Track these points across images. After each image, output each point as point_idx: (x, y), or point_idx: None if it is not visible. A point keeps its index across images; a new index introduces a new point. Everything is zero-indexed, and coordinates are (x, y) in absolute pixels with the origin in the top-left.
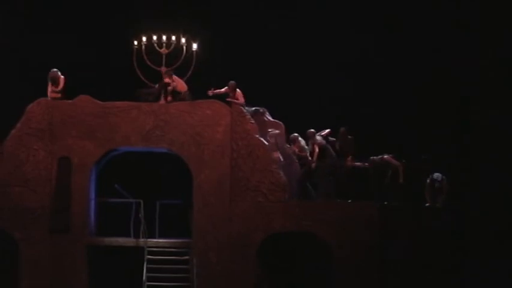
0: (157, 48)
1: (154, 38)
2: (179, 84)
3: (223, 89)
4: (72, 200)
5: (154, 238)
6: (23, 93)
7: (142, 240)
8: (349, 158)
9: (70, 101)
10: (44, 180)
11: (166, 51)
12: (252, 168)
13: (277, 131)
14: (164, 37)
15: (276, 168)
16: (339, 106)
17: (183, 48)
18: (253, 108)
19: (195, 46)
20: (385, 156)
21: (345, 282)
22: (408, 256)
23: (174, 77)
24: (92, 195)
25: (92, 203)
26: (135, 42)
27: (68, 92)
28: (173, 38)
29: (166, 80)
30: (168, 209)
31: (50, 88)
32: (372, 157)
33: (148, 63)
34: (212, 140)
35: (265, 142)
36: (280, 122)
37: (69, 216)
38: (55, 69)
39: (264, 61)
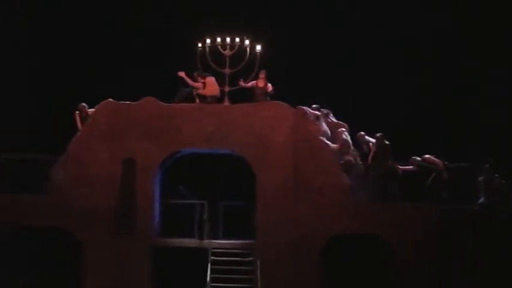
0: (221, 50)
1: (218, 40)
2: (209, 87)
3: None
4: (137, 202)
5: (218, 239)
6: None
7: (206, 241)
8: (388, 163)
9: (135, 102)
10: (109, 182)
11: (230, 53)
12: (315, 169)
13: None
14: (228, 39)
15: (340, 169)
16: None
17: (246, 50)
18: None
19: (258, 48)
20: (426, 156)
21: (406, 285)
22: (472, 259)
23: (208, 78)
24: (156, 196)
25: (156, 205)
26: (199, 44)
27: (131, 93)
28: (237, 39)
29: (197, 83)
30: (232, 210)
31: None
32: (413, 157)
33: (212, 65)
34: (275, 142)
35: (329, 143)
36: (344, 124)
37: (134, 217)
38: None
39: (328, 62)
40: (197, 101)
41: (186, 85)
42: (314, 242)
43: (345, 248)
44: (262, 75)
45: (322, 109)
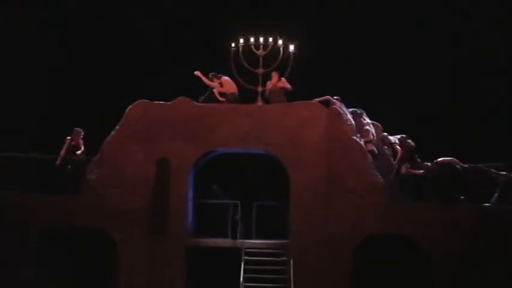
0: (254, 50)
1: (252, 40)
2: (227, 85)
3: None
4: (170, 202)
5: (251, 239)
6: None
7: (239, 241)
8: (406, 165)
9: (168, 103)
10: (143, 182)
11: (264, 53)
12: (349, 169)
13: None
14: (261, 39)
15: (373, 169)
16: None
17: (280, 50)
18: (351, 110)
19: (292, 47)
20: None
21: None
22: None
23: (223, 78)
24: (190, 196)
25: (190, 205)
26: (233, 44)
27: (164, 94)
28: (270, 39)
29: (213, 83)
30: (265, 210)
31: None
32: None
33: (246, 65)
34: (309, 142)
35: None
36: (378, 124)
37: (167, 217)
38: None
39: (361, 62)
40: (222, 99)
41: (205, 87)
42: (347, 241)
43: (378, 248)
44: (275, 76)
45: (355, 109)
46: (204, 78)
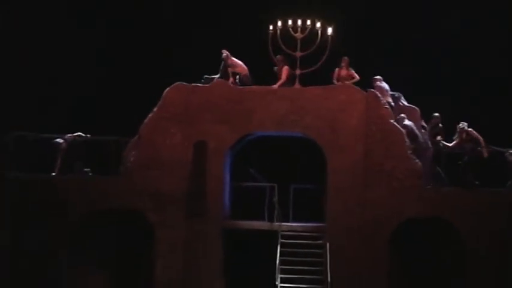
0: (292, 32)
1: (290, 22)
2: (238, 66)
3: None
4: (208, 184)
5: (288, 222)
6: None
7: (276, 224)
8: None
9: (206, 85)
10: (181, 164)
11: (301, 35)
12: (386, 153)
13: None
14: (299, 21)
15: (411, 153)
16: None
17: (318, 33)
18: (389, 93)
19: (330, 30)
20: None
21: (478, 272)
22: None
23: (233, 59)
24: (227, 179)
25: (227, 187)
26: (271, 27)
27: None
28: (308, 22)
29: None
30: (302, 193)
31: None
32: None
33: (284, 47)
34: (346, 125)
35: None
36: (416, 107)
37: (205, 200)
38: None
39: (398, 45)
40: (231, 80)
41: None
42: (384, 226)
43: (415, 233)
44: (344, 62)
45: (393, 92)
46: (227, 59)
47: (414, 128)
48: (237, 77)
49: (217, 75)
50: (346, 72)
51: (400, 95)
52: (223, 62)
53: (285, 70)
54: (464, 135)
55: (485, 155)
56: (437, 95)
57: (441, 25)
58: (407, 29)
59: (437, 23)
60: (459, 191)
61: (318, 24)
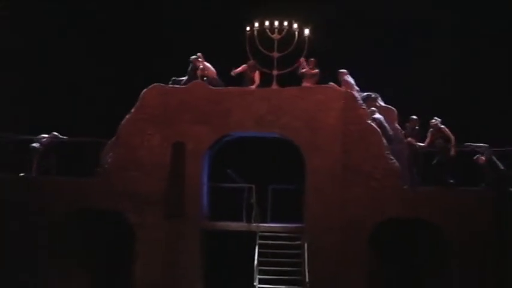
0: (269, 34)
1: (267, 23)
2: (207, 69)
3: (241, 67)
4: (186, 185)
5: (266, 223)
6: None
7: (254, 224)
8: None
9: (184, 86)
10: (159, 165)
11: (279, 36)
12: (365, 153)
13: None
14: (276, 23)
15: (389, 153)
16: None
17: (295, 34)
18: (366, 94)
19: (307, 31)
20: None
21: (461, 270)
22: None
23: (204, 63)
24: (205, 180)
25: (205, 188)
26: (248, 28)
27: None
28: (285, 23)
29: (198, 68)
30: (280, 193)
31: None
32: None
33: (261, 48)
34: (324, 125)
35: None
36: (393, 108)
37: (183, 201)
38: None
39: (376, 46)
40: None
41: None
42: (363, 226)
43: (394, 233)
44: (311, 64)
45: (370, 93)
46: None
47: (383, 121)
48: (205, 79)
49: (185, 78)
50: (309, 71)
51: (377, 95)
52: (191, 64)
53: (258, 74)
54: (436, 131)
55: (453, 153)
56: (416, 95)
57: (420, 25)
58: (385, 29)
59: (415, 22)
60: (438, 190)
61: (295, 26)
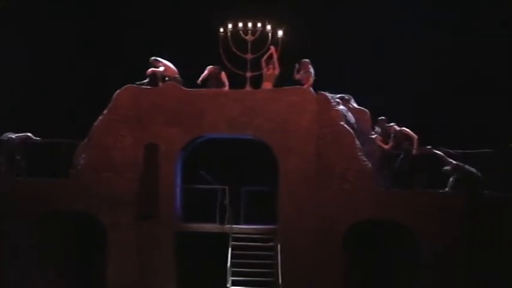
0: (242, 35)
1: (240, 25)
2: (168, 69)
3: (205, 72)
4: (159, 186)
5: (240, 224)
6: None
7: (227, 226)
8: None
9: (157, 87)
10: (132, 166)
11: (252, 38)
12: (338, 155)
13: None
14: (250, 24)
15: (362, 155)
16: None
17: (268, 35)
18: (339, 95)
19: (280, 33)
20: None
21: (431, 272)
22: (498, 248)
23: (163, 62)
24: (178, 181)
25: (178, 189)
26: (221, 30)
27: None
28: (259, 25)
29: (159, 67)
30: (253, 195)
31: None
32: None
33: (234, 50)
34: (298, 127)
35: (350, 129)
36: (366, 110)
37: (156, 202)
38: (217, 66)
39: (350, 47)
40: (160, 84)
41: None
42: (336, 227)
43: (368, 235)
44: (272, 65)
45: (343, 94)
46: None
47: (346, 113)
48: (167, 79)
49: (146, 80)
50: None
51: (351, 97)
52: (152, 66)
53: (224, 75)
54: (398, 134)
55: (415, 152)
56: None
57: (395, 26)
58: (359, 31)
59: (390, 24)
60: (411, 192)
61: (268, 27)
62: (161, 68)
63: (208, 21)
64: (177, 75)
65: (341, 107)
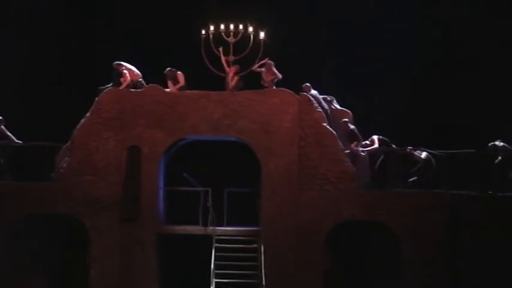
0: (224, 37)
1: (222, 27)
2: (131, 72)
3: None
4: (142, 189)
5: (223, 226)
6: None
7: (210, 228)
8: (355, 143)
9: (139, 90)
10: (114, 169)
11: (234, 40)
12: (320, 156)
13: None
14: (232, 26)
15: (344, 156)
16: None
17: (250, 37)
18: (321, 97)
19: (262, 35)
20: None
21: (412, 272)
22: (481, 248)
23: (126, 65)
24: (161, 183)
25: (161, 192)
26: (203, 32)
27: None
28: (240, 26)
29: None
30: (236, 197)
31: (171, 87)
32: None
33: (216, 52)
34: (280, 129)
35: (333, 131)
36: (348, 111)
37: (139, 204)
38: (172, 69)
39: (332, 49)
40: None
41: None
42: (319, 229)
43: (351, 235)
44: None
45: (325, 96)
46: (122, 71)
47: (318, 96)
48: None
49: (110, 85)
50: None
51: (333, 98)
52: (115, 70)
53: (180, 74)
54: (376, 142)
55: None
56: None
57: (376, 26)
58: (341, 32)
59: (372, 24)
60: (393, 193)
61: (250, 29)
62: (125, 71)
63: (189, 24)
64: (140, 79)
65: (313, 91)
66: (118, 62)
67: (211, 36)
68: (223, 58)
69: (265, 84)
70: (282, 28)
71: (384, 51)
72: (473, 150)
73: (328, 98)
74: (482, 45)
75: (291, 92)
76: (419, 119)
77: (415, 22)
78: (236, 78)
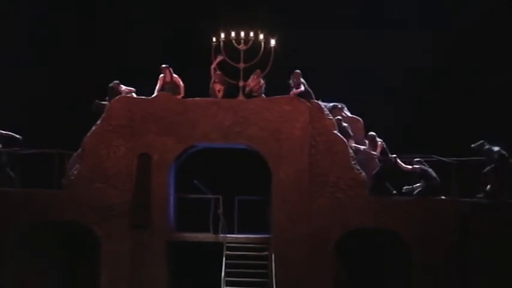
0: (235, 44)
1: (233, 34)
2: (129, 94)
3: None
4: (152, 196)
5: (233, 234)
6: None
7: (221, 236)
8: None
9: (150, 97)
10: (125, 177)
11: (245, 47)
12: (331, 164)
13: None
14: (242, 33)
15: (355, 164)
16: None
17: (261, 45)
18: (332, 104)
19: (273, 42)
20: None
21: (424, 281)
22: (490, 256)
23: (123, 87)
24: (172, 191)
25: (172, 199)
26: (214, 39)
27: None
28: (251, 34)
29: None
30: (247, 204)
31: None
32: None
33: (227, 59)
34: (291, 136)
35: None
36: (359, 118)
37: (149, 212)
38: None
39: (343, 56)
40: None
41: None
42: (329, 236)
43: (361, 243)
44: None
45: (336, 103)
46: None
47: (307, 87)
48: None
49: (107, 102)
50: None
51: (343, 105)
52: (112, 90)
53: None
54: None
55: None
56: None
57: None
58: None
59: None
60: (403, 200)
61: (261, 36)
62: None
63: (200, 31)
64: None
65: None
66: (117, 82)
67: (221, 43)
68: (214, 63)
69: (254, 94)
70: (293, 35)
71: (395, 59)
72: (483, 158)
73: (339, 105)
74: (493, 53)
75: (301, 99)
76: (429, 126)
77: (425, 29)
78: (261, 82)
